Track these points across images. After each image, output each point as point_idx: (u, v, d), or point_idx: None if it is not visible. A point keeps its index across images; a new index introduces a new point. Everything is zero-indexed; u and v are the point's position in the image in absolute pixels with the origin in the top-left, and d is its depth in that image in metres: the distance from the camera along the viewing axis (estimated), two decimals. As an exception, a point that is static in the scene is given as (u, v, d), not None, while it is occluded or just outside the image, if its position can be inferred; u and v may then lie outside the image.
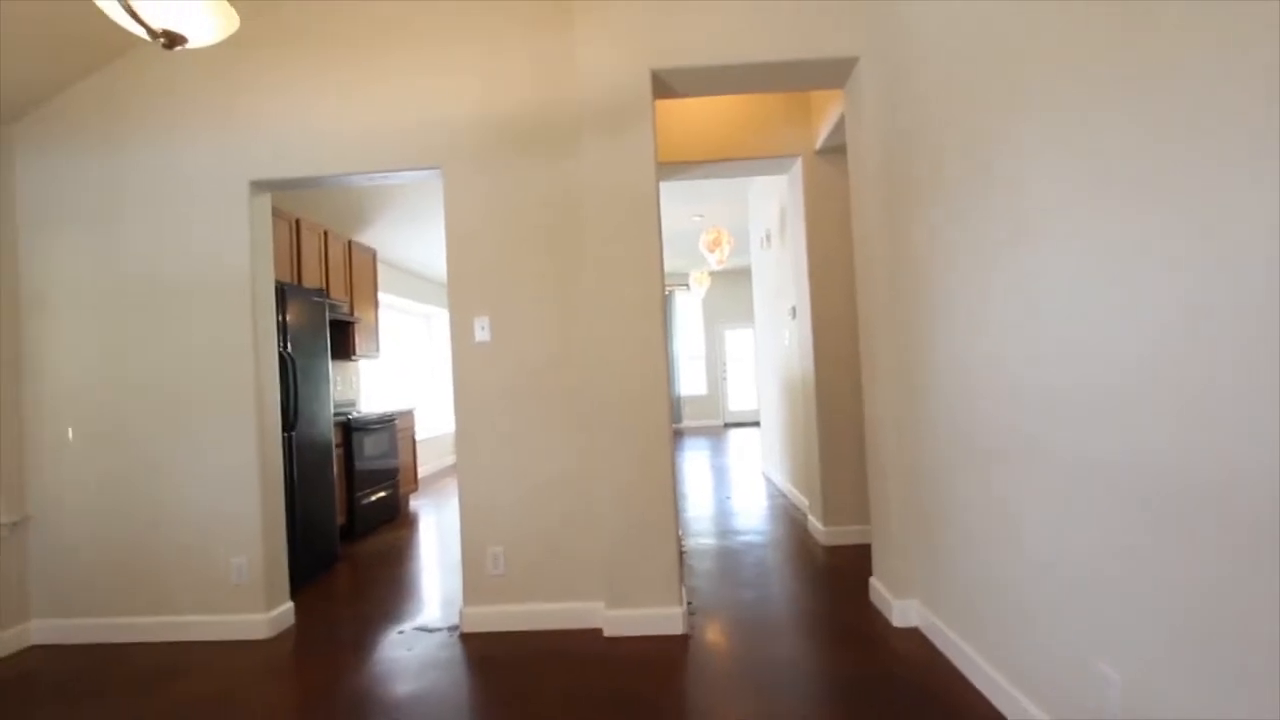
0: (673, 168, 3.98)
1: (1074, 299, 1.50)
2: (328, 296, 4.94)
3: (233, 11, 1.46)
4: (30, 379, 3.06)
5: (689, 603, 3.00)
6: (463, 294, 2.90)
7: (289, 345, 3.65)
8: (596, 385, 2.76)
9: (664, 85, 2.84)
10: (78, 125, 3.06)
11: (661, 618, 2.68)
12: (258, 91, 2.98)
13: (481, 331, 2.87)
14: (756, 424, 10.76)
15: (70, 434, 3.04)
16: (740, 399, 11.98)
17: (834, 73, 2.80)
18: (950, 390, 2.16)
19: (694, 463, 7.57)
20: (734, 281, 11.78)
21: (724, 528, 4.44)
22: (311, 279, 4.75)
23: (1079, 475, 1.51)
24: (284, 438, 3.55)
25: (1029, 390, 1.70)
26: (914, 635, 2.53)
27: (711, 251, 6.13)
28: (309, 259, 4.75)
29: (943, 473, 2.25)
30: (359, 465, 4.81)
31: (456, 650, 2.68)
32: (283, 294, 3.63)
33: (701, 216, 7.40)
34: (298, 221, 4.61)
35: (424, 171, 2.95)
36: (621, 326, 2.73)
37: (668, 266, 10.96)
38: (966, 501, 2.09)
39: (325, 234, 5.03)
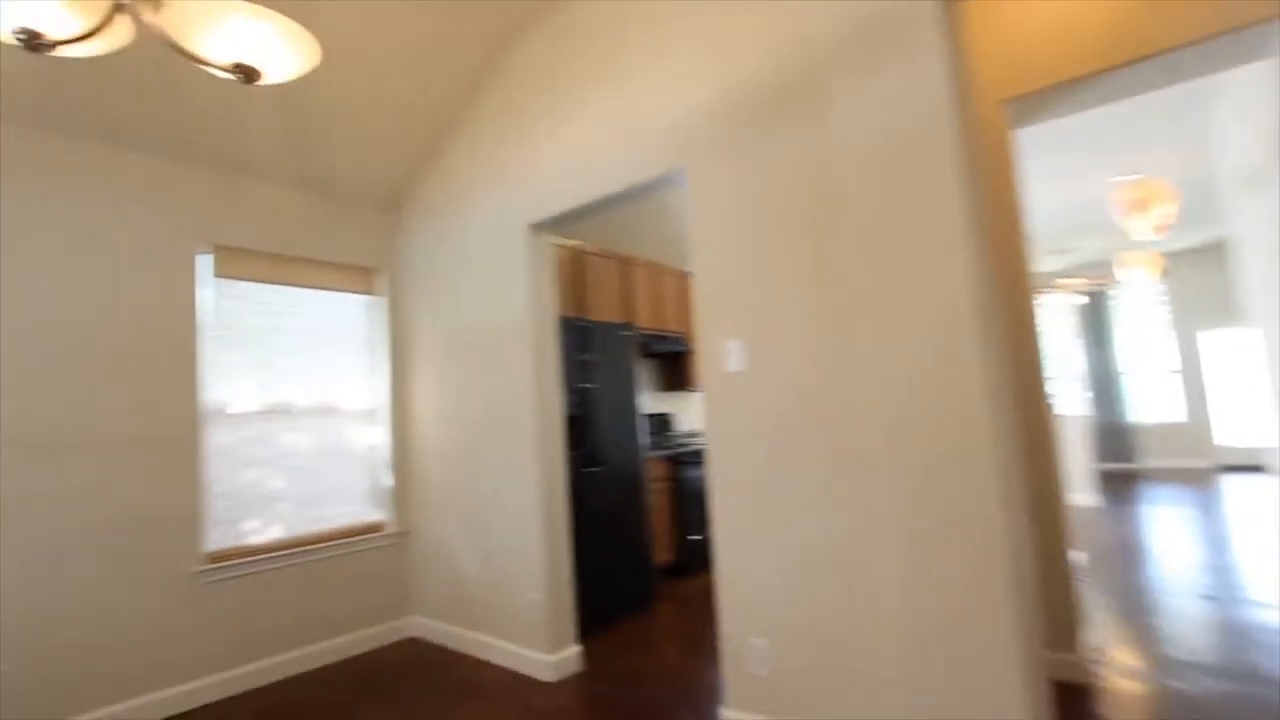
0: (1040, 100, 2.71)
1: None
2: (663, 330, 5.01)
3: (313, 40, 1.32)
4: (410, 417, 3.76)
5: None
6: (710, 313, 2.39)
7: (591, 381, 3.70)
8: (876, 419, 1.90)
9: (968, -35, 1.85)
10: (423, 207, 3.69)
11: (998, 816, 1.61)
12: (523, 140, 3.10)
13: (733, 358, 2.31)
14: (1260, 468, 7.11)
15: (429, 464, 3.60)
16: (1238, 431, 8.11)
17: None
18: None
19: (1157, 527, 5.23)
20: (1203, 263, 8.18)
21: (1193, 659, 2.71)
22: (644, 315, 4.86)
23: None
24: (585, 474, 3.58)
25: None
26: None
27: (1140, 216, 4.16)
28: (639, 294, 4.89)
29: None
30: (689, 500, 4.66)
31: (709, 761, 2.12)
32: (583, 331, 3.71)
33: (1128, 177, 5.21)
34: (626, 260, 4.79)
35: (674, 174, 2.58)
36: (903, 337, 1.82)
37: (1089, 255, 8.27)
38: None
39: (654, 268, 5.14)
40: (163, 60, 2.52)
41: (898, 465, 1.85)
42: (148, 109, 2.74)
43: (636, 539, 3.91)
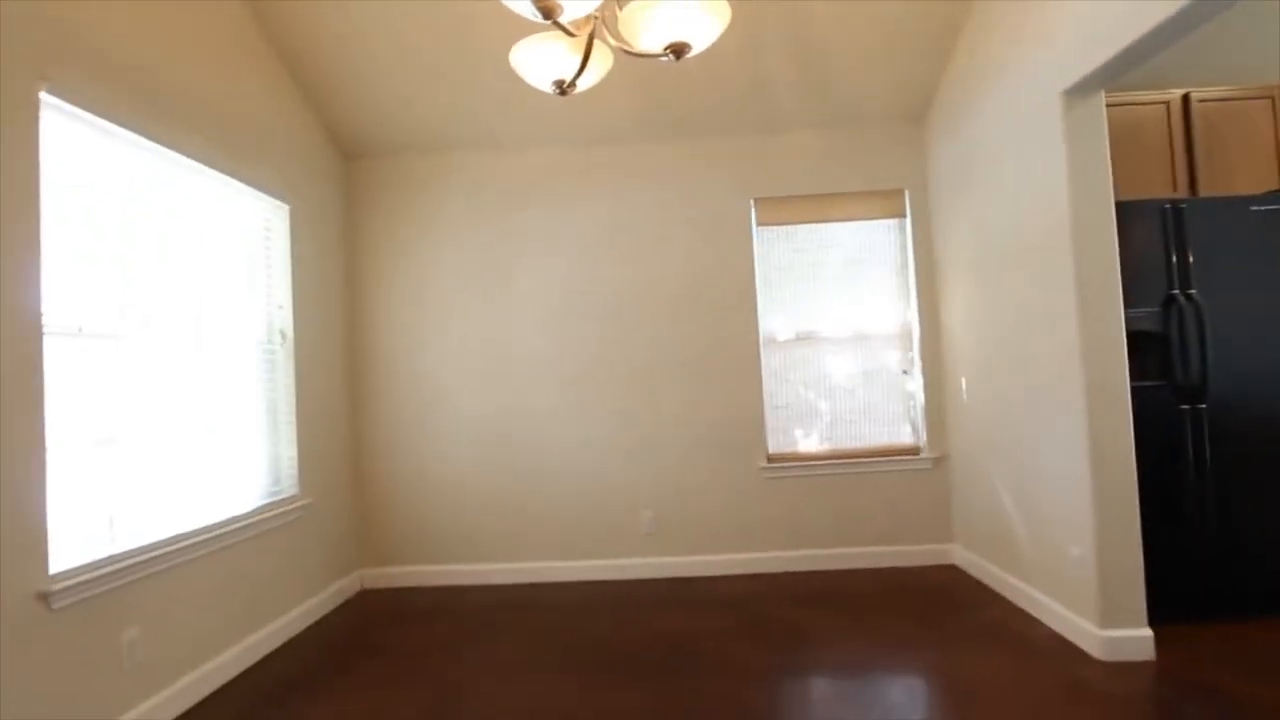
0: None
1: None
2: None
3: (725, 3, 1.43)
4: (941, 340, 3.56)
5: None
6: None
7: (1192, 285, 2.65)
8: None
9: None
10: (941, 114, 3.32)
11: None
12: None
13: None
14: None
15: (964, 389, 3.35)
16: None
17: None
18: None
19: None
20: None
21: None
22: (1267, 175, 3.13)
23: None
24: (1179, 412, 2.63)
25: None
26: None
27: None
28: (1258, 146, 3.14)
29: None
30: None
31: None
32: (1178, 217, 2.67)
33: None
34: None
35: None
36: None
37: None
38: None
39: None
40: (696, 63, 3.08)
41: None
42: (699, 101, 3.39)
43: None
